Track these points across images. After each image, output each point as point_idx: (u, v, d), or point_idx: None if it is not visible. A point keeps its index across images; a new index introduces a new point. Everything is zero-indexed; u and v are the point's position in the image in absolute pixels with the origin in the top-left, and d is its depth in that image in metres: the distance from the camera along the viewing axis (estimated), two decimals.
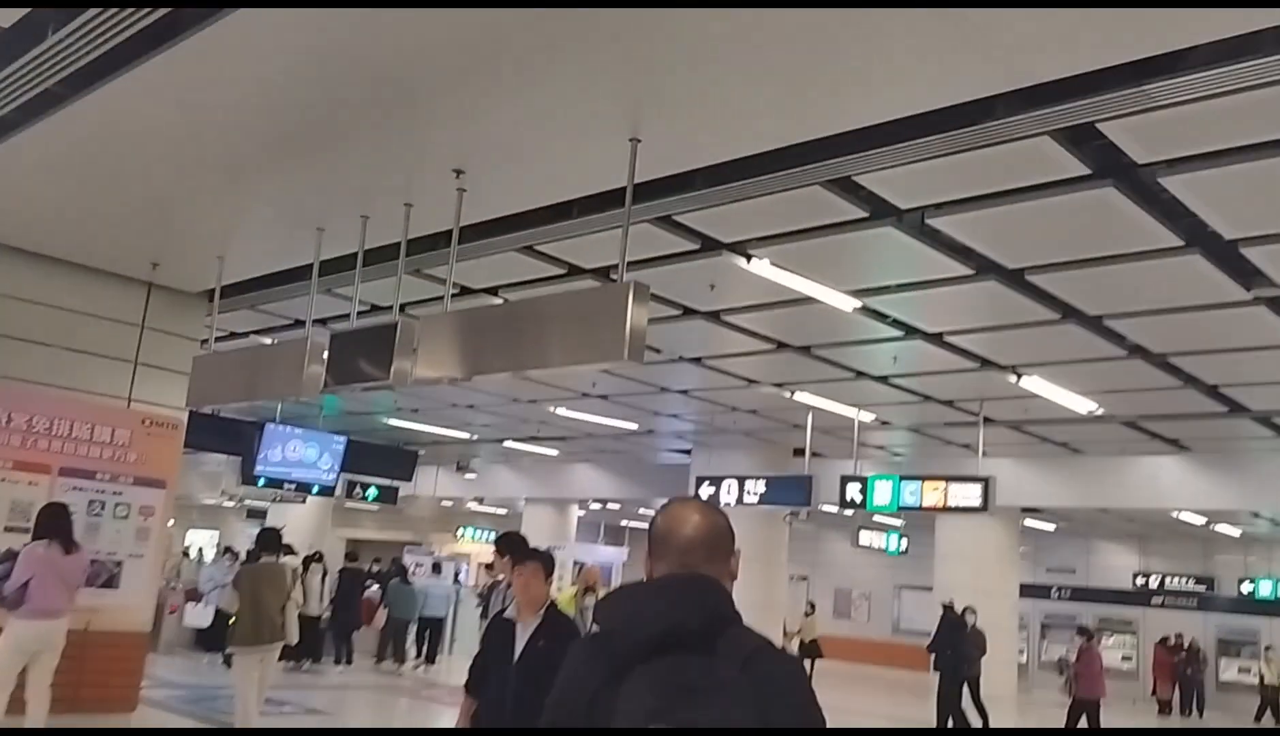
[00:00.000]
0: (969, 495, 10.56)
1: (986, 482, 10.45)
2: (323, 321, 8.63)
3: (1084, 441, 12.86)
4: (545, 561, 4.18)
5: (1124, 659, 20.82)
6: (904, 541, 19.75)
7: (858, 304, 7.49)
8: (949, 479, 10.92)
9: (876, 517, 19.13)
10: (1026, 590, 18.59)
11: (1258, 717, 17.66)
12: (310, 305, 6.69)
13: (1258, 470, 12.80)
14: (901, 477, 11.30)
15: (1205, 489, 13.48)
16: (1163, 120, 4.39)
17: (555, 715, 1.56)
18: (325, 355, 5.97)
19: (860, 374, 9.89)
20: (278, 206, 6.24)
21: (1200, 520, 17.34)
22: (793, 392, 10.91)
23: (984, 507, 10.48)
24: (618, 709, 1.45)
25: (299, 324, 8.92)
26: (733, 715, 1.42)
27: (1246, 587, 20.85)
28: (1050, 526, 20.50)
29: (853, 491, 11.57)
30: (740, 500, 12.08)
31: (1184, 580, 21.91)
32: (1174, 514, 16.24)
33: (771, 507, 12.37)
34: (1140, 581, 22.34)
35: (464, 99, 4.53)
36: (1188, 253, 5.94)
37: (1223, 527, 18.63)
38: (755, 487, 12.12)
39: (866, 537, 19.45)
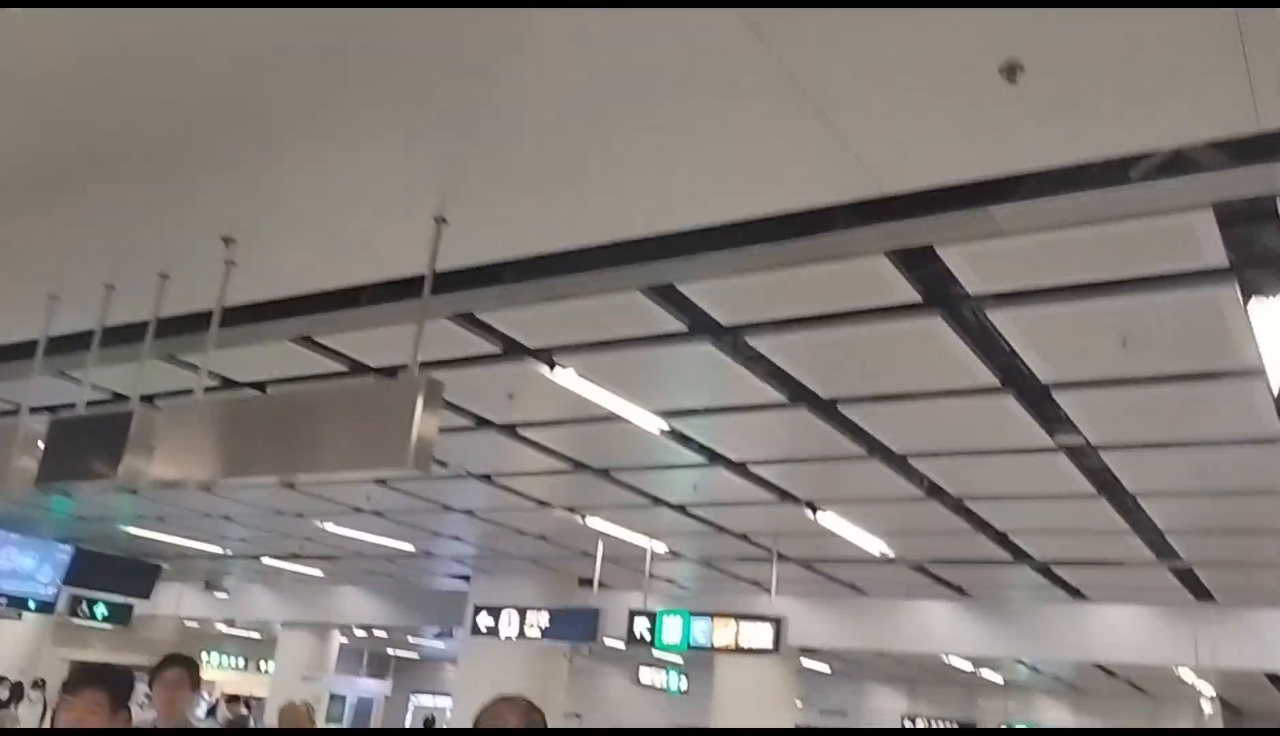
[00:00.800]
0: (760, 636, 10.14)
1: (779, 623, 10.07)
2: (51, 409, 7.41)
3: (871, 583, 12.82)
4: (113, 687, 3.19)
5: None
6: (683, 680, 19.24)
7: (665, 426, 7.05)
8: (739, 617, 10.50)
9: (658, 653, 18.57)
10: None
11: None
12: (30, 387, 5.67)
13: (1024, 618, 13.12)
14: (692, 614, 10.79)
15: (974, 635, 13.70)
16: (1000, 250, 4.20)
17: None
18: (41, 445, 5.02)
19: (657, 501, 9.42)
20: (2, 264, 5.24)
21: (968, 665, 17.76)
22: (585, 517, 10.32)
23: (775, 649, 10.08)
24: None
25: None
26: None
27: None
28: (826, 668, 20.54)
29: (641, 627, 10.95)
30: (521, 633, 11.23)
31: (948, 723, 22.47)
32: (944, 658, 16.52)
33: (553, 643, 11.59)
34: (908, 724, 22.75)
35: (244, 152, 3.83)
36: (1002, 394, 5.83)
37: (987, 673, 19.17)
38: (538, 620, 11.30)
39: (648, 675, 18.82)
